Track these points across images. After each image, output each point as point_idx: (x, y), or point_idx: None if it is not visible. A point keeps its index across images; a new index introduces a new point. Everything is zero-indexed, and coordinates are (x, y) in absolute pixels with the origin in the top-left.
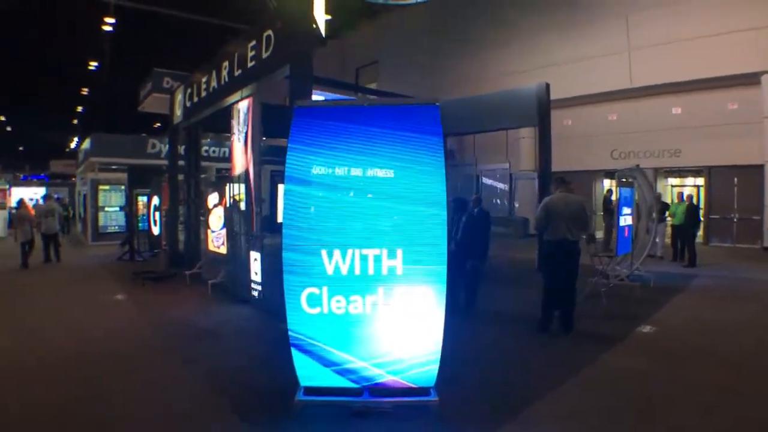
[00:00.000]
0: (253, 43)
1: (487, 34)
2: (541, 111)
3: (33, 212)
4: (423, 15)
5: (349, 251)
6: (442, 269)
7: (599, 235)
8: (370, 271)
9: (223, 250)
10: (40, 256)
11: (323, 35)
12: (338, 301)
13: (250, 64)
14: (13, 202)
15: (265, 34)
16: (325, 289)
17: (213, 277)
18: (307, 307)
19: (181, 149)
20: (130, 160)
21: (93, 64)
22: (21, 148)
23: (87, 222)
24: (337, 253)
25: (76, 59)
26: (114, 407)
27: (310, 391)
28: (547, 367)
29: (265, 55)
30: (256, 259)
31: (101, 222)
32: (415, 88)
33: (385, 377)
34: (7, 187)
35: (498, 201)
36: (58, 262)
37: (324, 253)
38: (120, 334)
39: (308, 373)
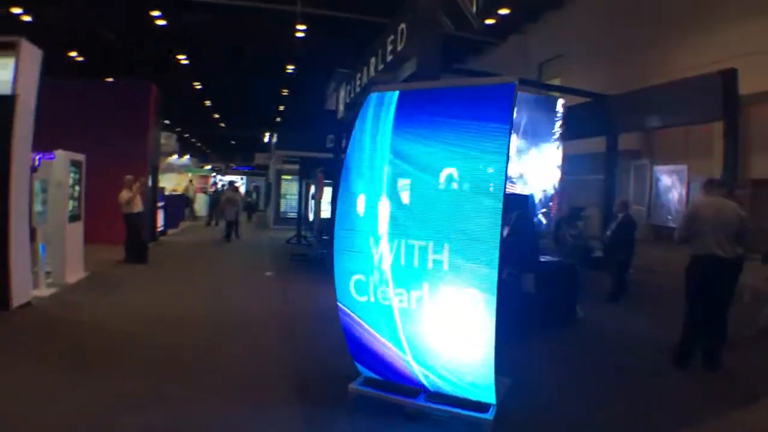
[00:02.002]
0: (392, 37)
1: (684, 20)
2: (727, 103)
3: (243, 196)
4: (611, 2)
5: (395, 241)
6: (492, 269)
7: None
8: (415, 263)
9: None
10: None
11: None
12: (384, 292)
13: (389, 58)
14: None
15: (400, 27)
16: (371, 277)
17: None
18: (356, 294)
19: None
20: (310, 153)
21: (290, 68)
22: (233, 142)
23: (271, 208)
24: (383, 241)
25: (277, 64)
26: (199, 360)
27: (370, 381)
28: (662, 411)
29: (399, 48)
30: None
31: (282, 208)
32: (602, 83)
33: (439, 382)
34: (212, 174)
35: (672, 208)
36: (236, 239)
37: (371, 240)
38: (251, 304)
39: (362, 361)
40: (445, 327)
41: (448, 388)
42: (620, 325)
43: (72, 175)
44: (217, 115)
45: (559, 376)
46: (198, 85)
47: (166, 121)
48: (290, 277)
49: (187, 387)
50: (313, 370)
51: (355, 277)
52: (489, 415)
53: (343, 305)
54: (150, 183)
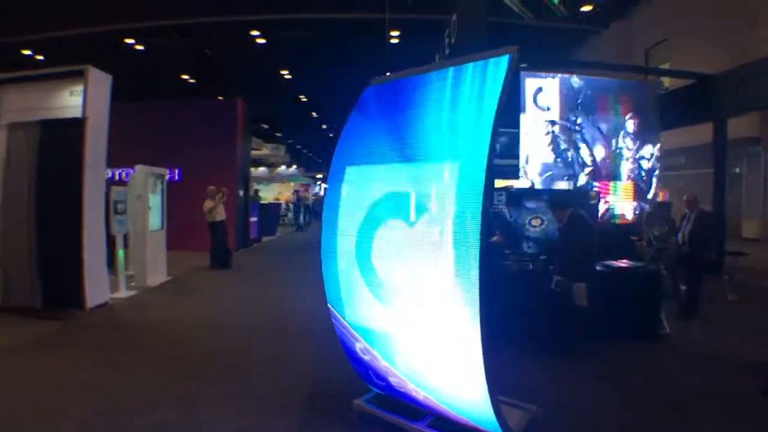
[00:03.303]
0: (447, 30)
1: None
2: None
3: None
4: None
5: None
6: (472, 280)
7: None
8: (394, 272)
9: None
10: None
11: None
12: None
13: (447, 52)
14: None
15: (453, 19)
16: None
17: None
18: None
19: None
20: None
21: (389, 74)
22: None
23: None
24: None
25: (376, 71)
26: (233, 365)
27: (378, 398)
28: None
29: (453, 41)
30: None
31: None
32: (713, 66)
33: (440, 406)
34: (310, 183)
35: None
36: None
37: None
38: (309, 309)
39: (362, 376)
40: (429, 345)
41: (452, 414)
42: (711, 342)
43: (154, 187)
44: (324, 126)
45: (611, 404)
46: (303, 98)
47: (278, 134)
48: None
49: (210, 390)
50: (336, 380)
51: (341, 285)
52: None
53: (334, 310)
54: (241, 193)
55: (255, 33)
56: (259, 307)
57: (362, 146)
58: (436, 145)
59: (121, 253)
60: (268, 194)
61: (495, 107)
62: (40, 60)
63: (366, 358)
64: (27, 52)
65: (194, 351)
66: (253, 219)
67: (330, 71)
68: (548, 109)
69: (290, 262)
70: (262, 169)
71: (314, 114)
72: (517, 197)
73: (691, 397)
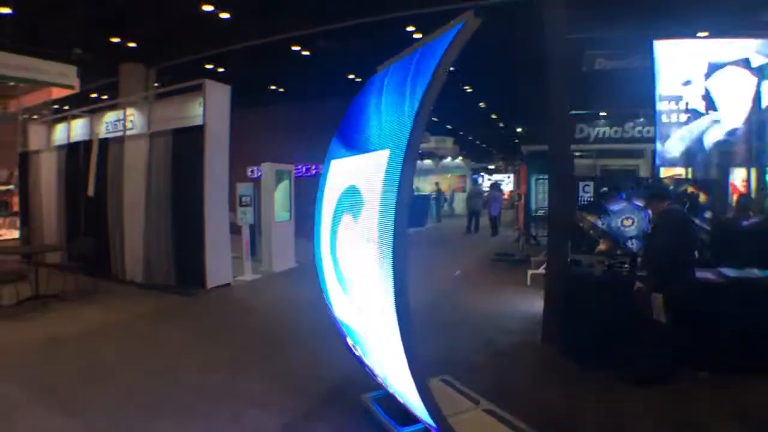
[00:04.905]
0: None
1: None
2: None
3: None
4: None
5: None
6: (386, 268)
7: None
8: (343, 268)
9: None
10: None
11: None
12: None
13: None
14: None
15: None
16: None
17: (536, 267)
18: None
19: None
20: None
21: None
22: (515, 141)
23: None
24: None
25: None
26: (296, 346)
27: (386, 396)
28: None
29: None
30: None
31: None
32: None
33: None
34: (469, 174)
35: None
36: (475, 232)
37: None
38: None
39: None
40: (383, 348)
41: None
42: None
43: (285, 181)
44: (494, 116)
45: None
46: (468, 89)
47: (448, 126)
48: (476, 279)
49: (260, 364)
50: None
51: (326, 280)
52: None
53: (327, 304)
54: None
55: (410, 29)
56: None
57: (344, 138)
58: (375, 133)
59: (247, 241)
60: (426, 186)
61: (427, 82)
62: (221, 72)
63: (357, 354)
64: (209, 66)
65: (273, 328)
66: None
67: (492, 60)
68: (689, 82)
69: (421, 252)
70: (426, 162)
71: (482, 105)
72: (596, 202)
73: None
